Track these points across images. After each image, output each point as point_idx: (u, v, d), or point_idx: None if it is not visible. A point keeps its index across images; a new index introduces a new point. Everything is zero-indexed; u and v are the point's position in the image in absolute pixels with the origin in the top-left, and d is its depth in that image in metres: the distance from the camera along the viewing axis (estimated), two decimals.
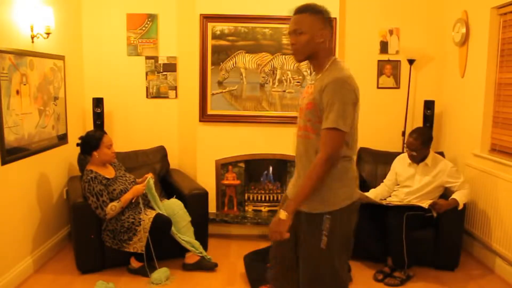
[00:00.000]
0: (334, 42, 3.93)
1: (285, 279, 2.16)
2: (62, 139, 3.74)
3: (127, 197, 3.20)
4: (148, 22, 4.16)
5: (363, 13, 4.17)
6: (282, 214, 1.89)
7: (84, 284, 3.09)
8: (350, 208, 1.98)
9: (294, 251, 2.08)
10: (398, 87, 4.23)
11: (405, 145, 3.61)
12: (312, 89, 1.97)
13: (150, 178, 3.30)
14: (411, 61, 4.06)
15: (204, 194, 3.61)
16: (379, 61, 4.22)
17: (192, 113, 4.11)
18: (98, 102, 3.97)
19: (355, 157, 2.08)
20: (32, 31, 3.20)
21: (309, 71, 3.90)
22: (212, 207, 4.00)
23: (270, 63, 3.96)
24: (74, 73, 3.98)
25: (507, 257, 3.19)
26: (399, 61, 4.20)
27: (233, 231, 4.11)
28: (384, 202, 3.35)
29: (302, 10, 1.95)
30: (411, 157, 3.42)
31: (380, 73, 4.23)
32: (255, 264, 3.14)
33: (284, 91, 4.01)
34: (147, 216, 3.17)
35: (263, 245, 3.50)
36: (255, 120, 4.00)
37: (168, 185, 3.90)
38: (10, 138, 2.93)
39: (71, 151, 3.73)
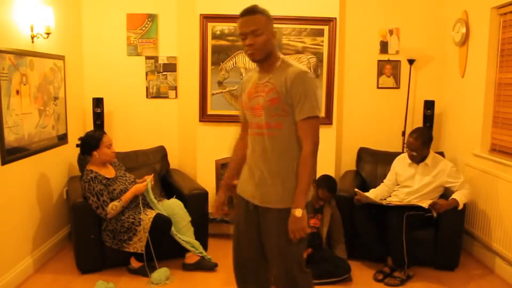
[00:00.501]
0: (334, 43, 3.93)
1: (248, 280, 2.22)
2: (62, 139, 3.74)
3: (127, 196, 3.20)
4: (148, 22, 4.16)
5: (363, 13, 4.17)
6: (298, 212, 1.95)
7: (84, 284, 3.10)
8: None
9: (258, 250, 2.14)
10: (398, 87, 4.23)
11: (405, 145, 3.61)
12: (271, 86, 2.01)
13: (149, 181, 3.29)
14: (411, 61, 4.06)
15: (204, 194, 3.60)
16: (379, 61, 4.22)
17: (192, 113, 4.12)
18: (98, 102, 3.97)
19: None
20: (32, 31, 3.20)
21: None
22: (212, 207, 3.98)
23: None
24: (74, 73, 3.98)
25: (507, 257, 3.19)
26: (399, 61, 4.20)
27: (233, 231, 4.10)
28: (384, 202, 3.35)
29: (254, 11, 1.99)
30: (411, 157, 3.42)
31: (380, 73, 4.23)
32: None
33: None
34: (147, 216, 3.17)
35: None
36: None
37: (168, 185, 3.90)
38: (10, 138, 2.93)
39: (71, 151, 3.73)
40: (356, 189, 3.42)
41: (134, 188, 3.25)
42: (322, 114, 2.04)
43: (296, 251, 2.07)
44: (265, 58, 2.03)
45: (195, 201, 3.53)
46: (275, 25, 2.09)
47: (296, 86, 1.95)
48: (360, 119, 4.27)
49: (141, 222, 3.14)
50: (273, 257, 2.11)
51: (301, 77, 1.95)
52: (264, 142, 2.04)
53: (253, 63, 2.10)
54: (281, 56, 2.08)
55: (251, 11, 1.98)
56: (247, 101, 2.11)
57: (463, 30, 3.73)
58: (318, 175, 3.75)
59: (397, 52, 4.19)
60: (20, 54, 3.05)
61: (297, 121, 1.98)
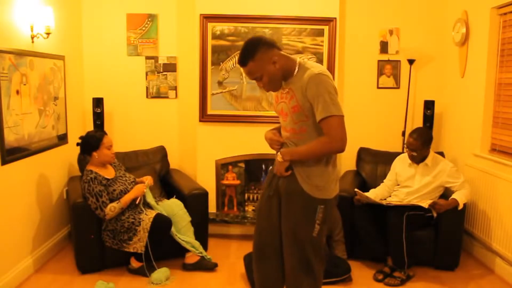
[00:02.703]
0: (334, 43, 3.93)
1: (265, 264, 2.31)
2: (62, 139, 3.74)
3: (127, 198, 3.19)
4: (148, 22, 4.16)
5: (363, 13, 4.17)
6: (279, 157, 2.15)
7: (84, 284, 3.10)
8: (335, 198, 2.21)
9: (279, 238, 2.23)
10: (398, 87, 4.23)
11: (405, 145, 3.61)
12: (292, 94, 2.08)
13: (147, 183, 3.30)
14: (411, 61, 4.06)
15: (204, 194, 3.61)
16: (379, 61, 4.22)
17: (192, 113, 4.12)
18: (98, 102, 3.97)
19: None
20: (32, 31, 3.20)
21: None
22: (212, 207, 4.00)
23: None
24: (74, 73, 3.98)
25: (507, 257, 3.19)
26: (399, 61, 4.20)
27: (233, 231, 4.11)
28: (384, 202, 3.35)
29: (244, 61, 2.06)
30: (411, 157, 3.42)
31: (380, 73, 4.23)
32: None
33: None
34: (147, 216, 3.17)
35: None
36: (255, 120, 4.00)
37: (168, 185, 3.90)
38: (10, 138, 2.92)
39: (71, 151, 3.73)
40: (356, 189, 3.42)
41: (135, 189, 3.24)
42: (341, 112, 2.05)
43: (318, 245, 2.21)
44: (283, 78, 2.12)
45: (195, 201, 3.53)
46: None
47: (310, 89, 2.00)
48: (360, 119, 4.27)
49: (141, 222, 3.14)
50: (289, 247, 2.21)
51: (313, 80, 2.00)
52: (293, 146, 2.16)
53: None
54: (298, 61, 2.11)
55: (242, 62, 2.06)
56: (275, 104, 2.24)
57: (463, 30, 3.73)
58: None
59: (397, 52, 4.19)
60: (20, 54, 3.05)
61: (318, 121, 2.04)
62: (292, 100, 2.08)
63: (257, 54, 2.04)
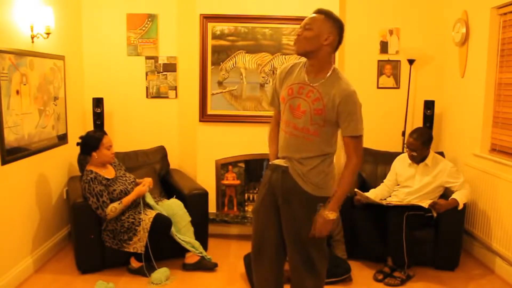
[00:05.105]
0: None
1: (264, 266, 2.30)
2: (62, 139, 3.74)
3: (129, 199, 3.19)
4: (148, 22, 4.16)
5: (363, 13, 4.17)
6: (332, 215, 2.09)
7: (84, 284, 3.10)
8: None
9: (276, 240, 2.23)
10: (398, 87, 4.24)
11: (405, 145, 3.61)
12: (318, 95, 2.08)
13: (148, 185, 3.31)
14: (411, 61, 4.06)
15: (204, 194, 3.61)
16: (379, 61, 4.22)
17: (192, 113, 4.12)
18: (98, 102, 3.97)
19: None
20: (32, 31, 3.20)
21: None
22: (212, 207, 4.00)
23: (270, 63, 3.96)
24: (74, 73, 3.98)
25: (507, 257, 3.19)
26: (399, 61, 4.20)
27: (233, 231, 4.11)
28: (384, 202, 3.35)
29: (319, 11, 2.10)
30: (411, 157, 3.42)
31: (380, 73, 4.23)
32: None
33: None
34: (147, 216, 3.17)
35: None
36: (255, 120, 4.00)
37: (168, 185, 3.90)
38: (10, 138, 2.92)
39: (71, 151, 3.73)
40: (356, 189, 3.42)
41: (137, 191, 3.25)
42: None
43: (319, 243, 2.21)
44: (310, 57, 2.11)
45: (195, 201, 3.53)
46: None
47: (345, 105, 2.04)
48: None
49: (141, 222, 3.14)
50: (291, 246, 2.22)
51: (351, 98, 2.05)
52: (299, 144, 2.14)
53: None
54: (334, 66, 2.15)
55: (317, 10, 2.10)
56: (286, 96, 2.17)
57: (463, 30, 3.73)
58: None
59: (397, 52, 4.19)
60: (20, 54, 3.05)
61: (342, 136, 2.11)
62: (317, 102, 2.07)
63: (331, 23, 2.09)
